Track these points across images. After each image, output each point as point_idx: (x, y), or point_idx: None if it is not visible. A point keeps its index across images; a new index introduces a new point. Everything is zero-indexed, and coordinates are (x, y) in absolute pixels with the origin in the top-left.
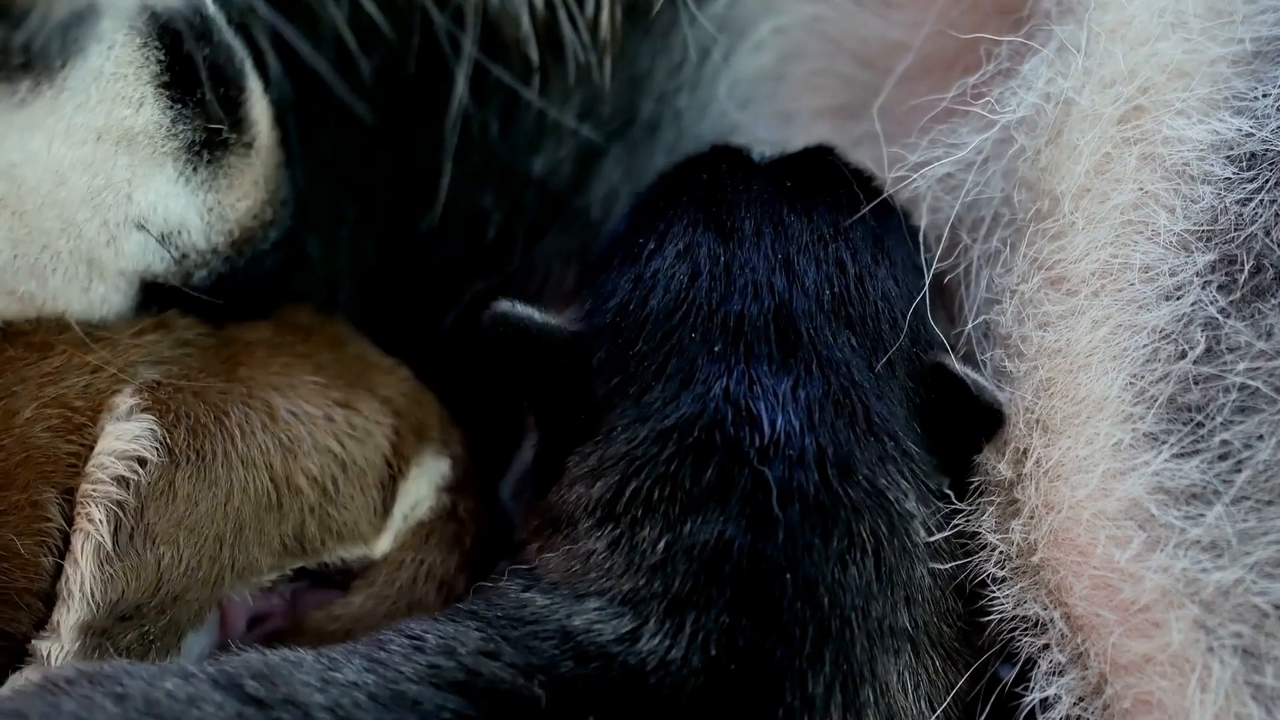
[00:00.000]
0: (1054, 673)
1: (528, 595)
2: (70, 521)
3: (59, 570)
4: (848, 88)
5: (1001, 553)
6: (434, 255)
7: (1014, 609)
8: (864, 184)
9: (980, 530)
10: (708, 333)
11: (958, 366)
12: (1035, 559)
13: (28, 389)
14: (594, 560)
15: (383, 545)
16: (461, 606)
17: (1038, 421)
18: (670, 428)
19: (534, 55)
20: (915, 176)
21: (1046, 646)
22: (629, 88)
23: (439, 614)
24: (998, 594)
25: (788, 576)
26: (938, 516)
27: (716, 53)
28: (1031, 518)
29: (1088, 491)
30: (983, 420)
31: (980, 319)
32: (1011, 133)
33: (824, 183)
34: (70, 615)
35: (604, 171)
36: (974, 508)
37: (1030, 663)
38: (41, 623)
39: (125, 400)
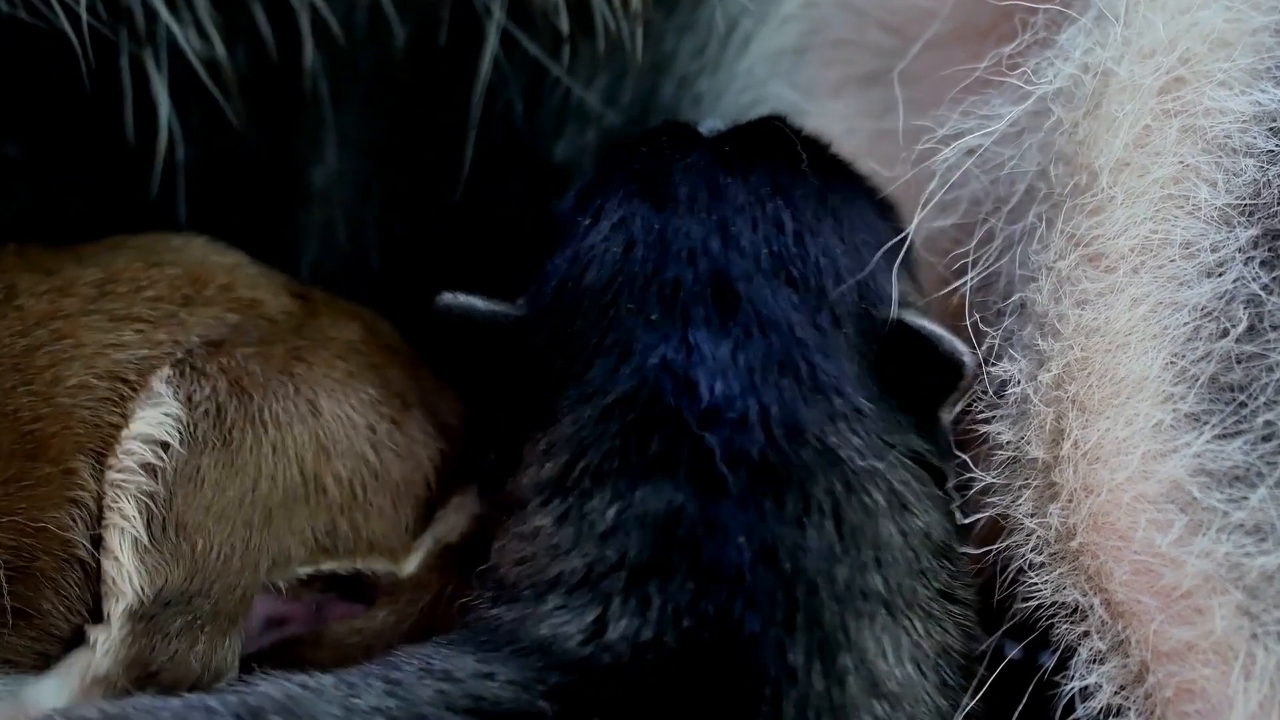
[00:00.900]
0: (1094, 660)
1: (495, 612)
2: (102, 490)
3: (93, 545)
4: (874, 57)
5: (1039, 537)
6: (459, 240)
7: (1052, 595)
8: (811, 146)
9: (1017, 514)
10: (644, 303)
11: (915, 319)
12: (1074, 544)
13: (84, 355)
14: (541, 537)
15: (410, 566)
16: (456, 633)
17: (1074, 402)
18: (612, 404)
19: (564, 25)
20: (945, 149)
21: (1086, 634)
22: (651, 70)
23: (441, 638)
24: (1035, 580)
25: (743, 540)
26: (904, 474)
27: (742, 29)
28: (1070, 501)
29: (1128, 474)
30: (943, 372)
31: (1015, 297)
32: (1048, 104)
33: (765, 147)
34: (119, 604)
35: None
36: (1008, 489)
37: (1069, 650)
38: (72, 601)
39: (159, 380)
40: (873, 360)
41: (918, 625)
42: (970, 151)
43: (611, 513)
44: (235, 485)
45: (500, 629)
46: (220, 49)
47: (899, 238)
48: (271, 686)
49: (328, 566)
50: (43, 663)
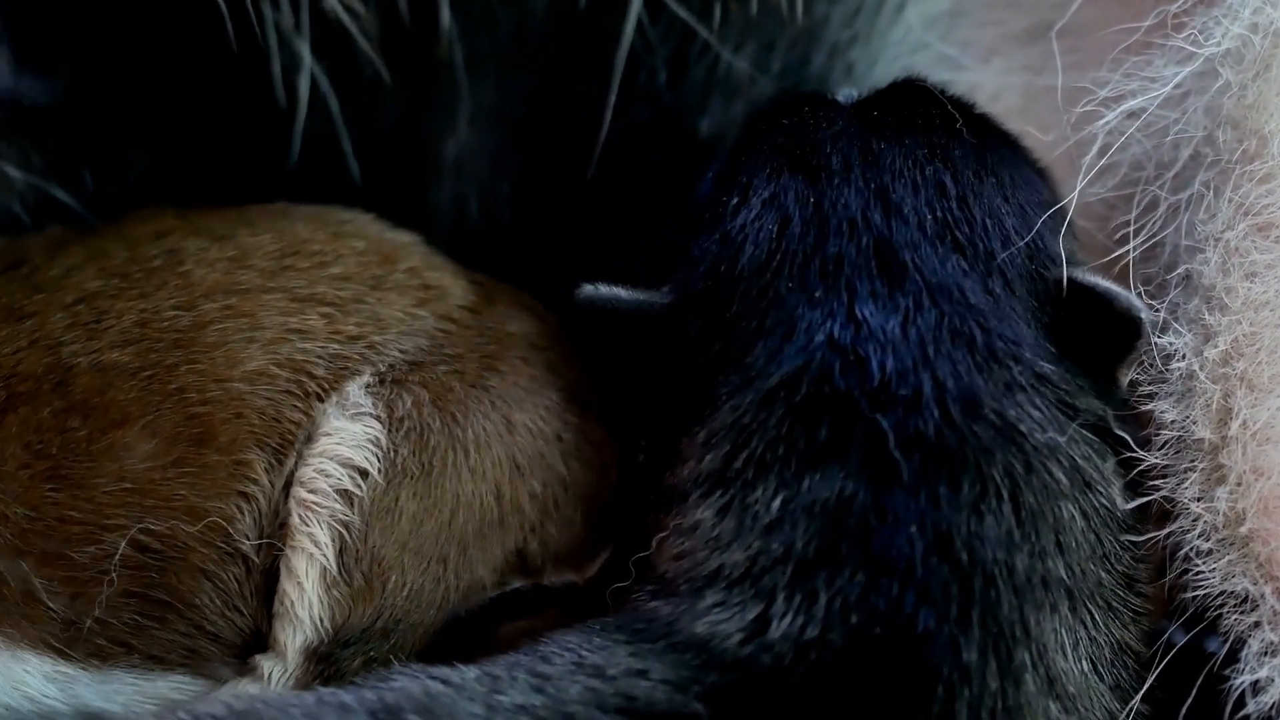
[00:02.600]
0: (1266, 653)
1: (654, 605)
2: (274, 486)
3: (259, 539)
4: (1030, 14)
5: (1206, 523)
6: (597, 216)
7: (1221, 584)
8: (959, 106)
9: (1182, 498)
10: (805, 280)
11: (1087, 275)
12: (1244, 529)
13: (265, 339)
14: (702, 531)
15: (592, 571)
16: (610, 619)
17: (1243, 379)
18: (775, 387)
19: None
20: (1106, 112)
21: (1257, 624)
22: (802, 38)
23: (593, 623)
24: (1202, 567)
25: (914, 529)
26: (1085, 448)
27: None
28: (1239, 484)
29: None
30: (1120, 330)
31: (1181, 268)
32: (1215, 66)
33: (914, 108)
34: (296, 637)
35: None
36: (1173, 471)
37: (1239, 642)
38: (231, 596)
39: (358, 392)
40: (1047, 323)
41: (1097, 618)
42: (1132, 115)
43: (776, 503)
44: (433, 518)
45: (656, 621)
46: (359, 7)
47: (1065, 198)
48: (410, 681)
49: (513, 585)
50: (192, 659)
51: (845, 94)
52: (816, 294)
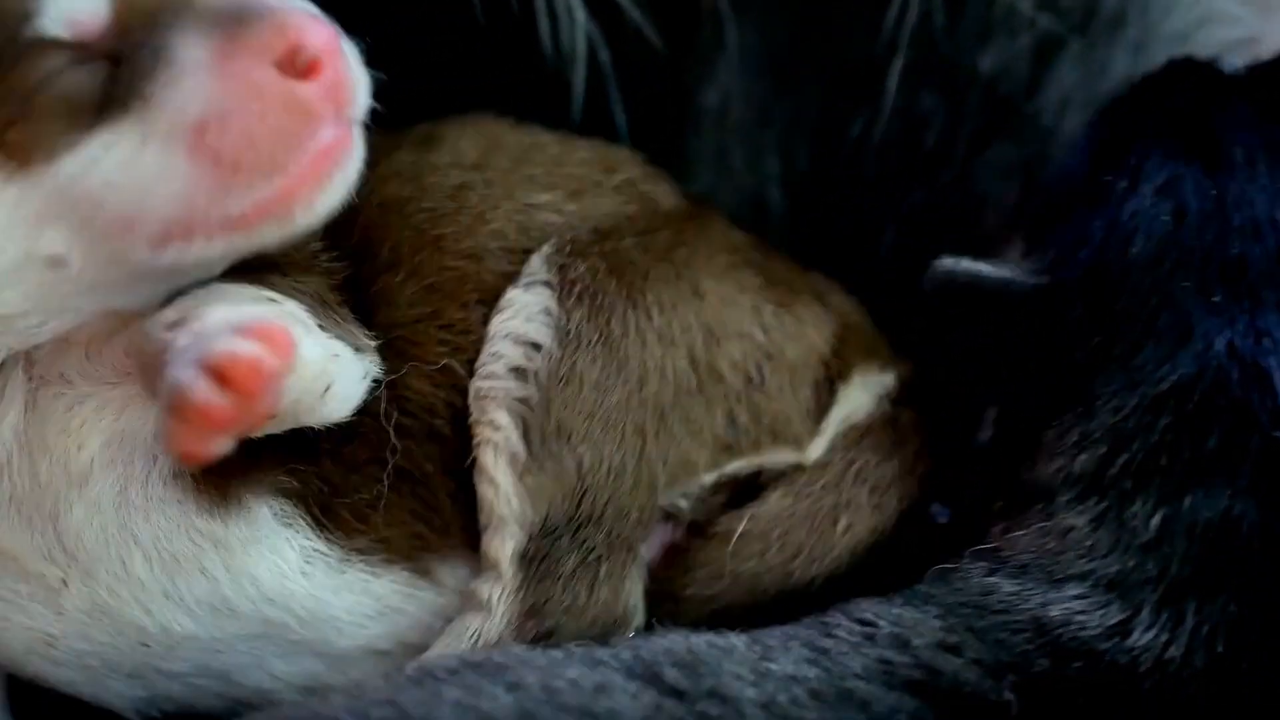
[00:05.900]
0: None
1: (992, 580)
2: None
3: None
4: None
5: None
6: (866, 163)
7: None
8: None
9: None
10: (1203, 281)
11: None
12: None
13: (508, 206)
14: (1072, 538)
15: (815, 450)
16: (920, 588)
17: None
18: (1165, 393)
19: None
20: None
21: None
22: None
23: (894, 595)
24: None
25: None
26: None
27: None
28: None
29: None
30: None
31: None
32: None
33: None
34: (506, 544)
35: (1059, 72)
36: None
37: None
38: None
39: (537, 261)
40: None
41: None
42: None
43: (1156, 520)
44: (619, 384)
45: (994, 595)
46: None
47: None
48: (670, 641)
49: (732, 468)
50: (416, 548)
51: (1227, 64)
52: (1215, 299)
